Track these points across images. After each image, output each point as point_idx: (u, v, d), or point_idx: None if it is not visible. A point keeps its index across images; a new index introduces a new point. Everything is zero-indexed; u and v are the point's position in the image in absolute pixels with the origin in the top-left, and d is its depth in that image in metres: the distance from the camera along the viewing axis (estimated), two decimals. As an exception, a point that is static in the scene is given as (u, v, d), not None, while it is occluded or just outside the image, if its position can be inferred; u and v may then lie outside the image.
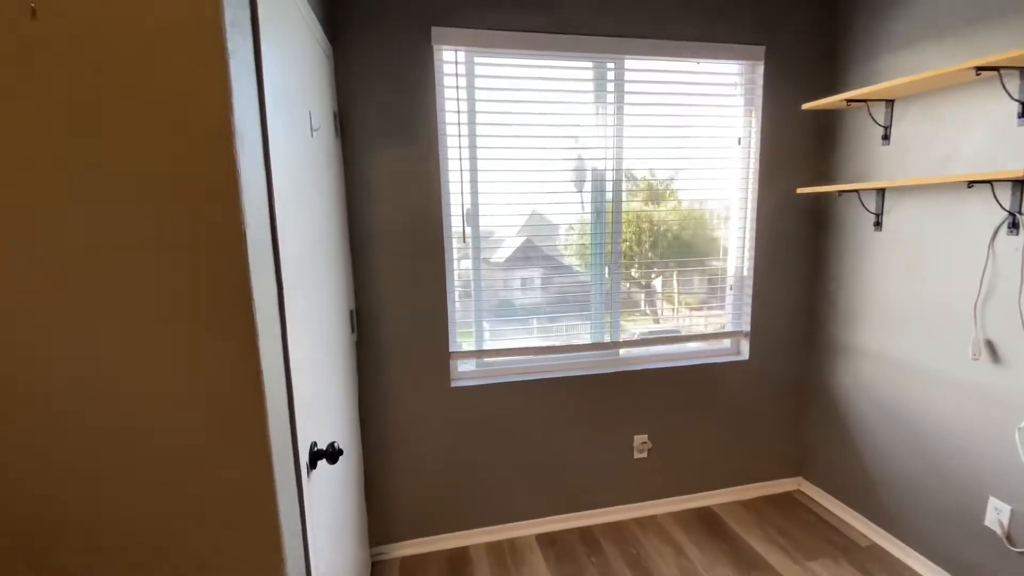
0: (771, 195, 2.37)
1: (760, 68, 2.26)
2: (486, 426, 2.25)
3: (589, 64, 2.18)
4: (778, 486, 2.64)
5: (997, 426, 1.74)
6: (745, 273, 2.46)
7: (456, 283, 2.23)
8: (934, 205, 1.91)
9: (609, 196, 2.29)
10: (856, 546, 2.21)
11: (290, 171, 1.19)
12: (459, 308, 2.26)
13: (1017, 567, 1.70)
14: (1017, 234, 1.65)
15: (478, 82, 2.09)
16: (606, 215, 2.31)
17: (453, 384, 2.22)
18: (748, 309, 2.46)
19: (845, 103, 2.05)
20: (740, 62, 2.25)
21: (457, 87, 2.03)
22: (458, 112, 2.04)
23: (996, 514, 1.75)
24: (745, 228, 2.43)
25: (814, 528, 2.34)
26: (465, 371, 2.30)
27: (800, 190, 2.26)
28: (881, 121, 2.07)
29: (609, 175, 2.27)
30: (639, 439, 2.42)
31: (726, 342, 2.55)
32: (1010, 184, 1.64)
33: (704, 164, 2.35)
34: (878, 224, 2.14)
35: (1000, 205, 1.68)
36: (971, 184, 1.75)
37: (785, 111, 2.31)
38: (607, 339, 2.39)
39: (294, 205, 1.22)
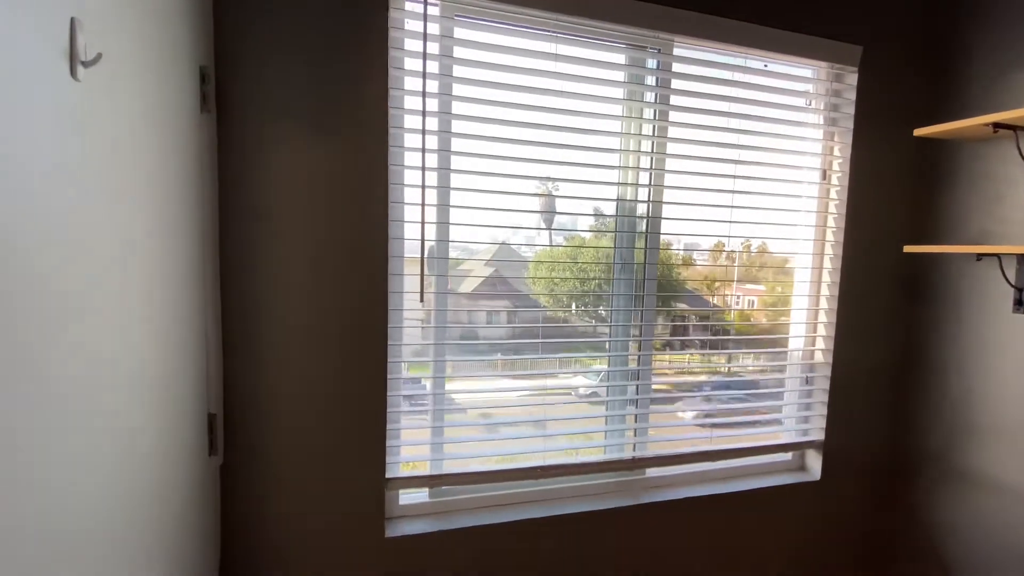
0: (862, 252, 1.70)
1: (852, 77, 1.62)
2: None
3: (622, 57, 1.49)
4: (851, 660, 1.87)
5: None
6: (819, 358, 1.76)
7: (404, 370, 1.40)
8: None
9: (640, 243, 1.55)
10: None
11: None
12: (405, 406, 1.41)
13: None
14: None
15: (458, 53, 1.34)
16: (634, 267, 1.56)
17: (390, 533, 1.34)
18: (824, 410, 1.74)
19: (991, 128, 1.42)
20: (828, 65, 1.61)
21: (424, 57, 1.26)
22: (424, 96, 1.27)
23: None
24: (819, 295, 1.74)
25: None
26: (410, 507, 1.44)
27: (908, 248, 1.60)
28: (1030, 158, 1.46)
29: (641, 209, 1.54)
30: (671, 606, 1.60)
31: (788, 455, 1.81)
32: None
33: (773, 206, 1.67)
34: (1020, 303, 1.49)
35: None
36: None
37: (885, 138, 1.67)
38: (629, 455, 1.59)
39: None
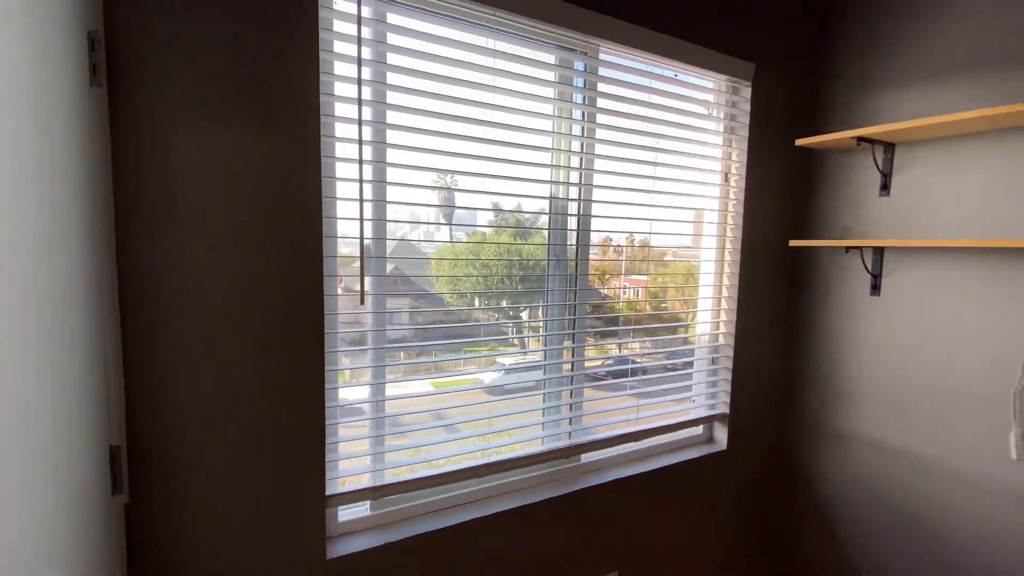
0: (756, 246, 1.93)
1: (747, 90, 1.83)
2: (389, 617, 1.32)
3: (552, 57, 1.51)
4: (751, 603, 2.14)
5: (1063, 548, 1.40)
6: (722, 340, 1.96)
7: (340, 383, 1.30)
8: (946, 269, 1.61)
9: (573, 238, 1.61)
10: None
11: None
12: (342, 416, 1.32)
13: None
14: (1084, 312, 1.36)
15: (392, 42, 1.26)
16: (568, 263, 1.61)
17: (332, 554, 1.25)
18: (728, 386, 1.95)
19: (854, 141, 1.69)
20: (727, 78, 1.79)
21: (360, 43, 1.17)
22: (359, 83, 1.18)
23: (1066, 660, 1.40)
24: (722, 285, 1.94)
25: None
26: (351, 523, 1.35)
27: (794, 242, 1.84)
28: (880, 167, 1.76)
29: (573, 207, 1.59)
30: (608, 583, 1.70)
31: (699, 429, 2.00)
32: (1074, 251, 1.36)
33: (685, 204, 1.83)
34: (876, 288, 1.80)
35: (1061, 275, 1.39)
36: (1010, 250, 1.45)
37: (773, 146, 1.91)
38: (565, 443, 1.65)
39: None
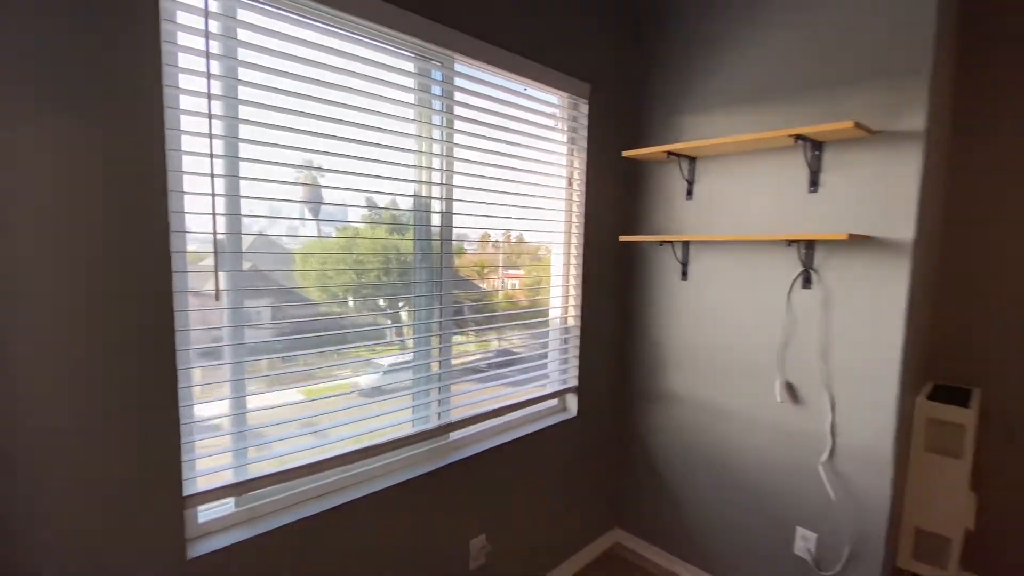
0: (595, 241, 2.25)
1: (585, 107, 2.12)
2: (258, 607, 1.34)
3: (411, 66, 1.62)
4: (603, 543, 2.49)
5: (801, 462, 1.91)
6: (571, 322, 2.26)
7: (196, 376, 1.28)
8: (735, 258, 2.06)
9: (436, 232, 1.74)
10: (683, 596, 2.18)
11: None
12: (199, 415, 1.30)
13: (828, 591, 1.87)
14: (810, 288, 1.86)
15: (244, 38, 1.27)
16: (434, 257, 1.74)
17: (192, 554, 1.24)
18: (577, 361, 2.26)
19: (665, 155, 2.07)
20: (568, 95, 2.06)
21: (207, 36, 1.16)
22: (208, 77, 1.17)
23: (804, 543, 1.91)
24: (569, 275, 2.23)
25: (646, 588, 2.24)
26: (214, 522, 1.33)
27: (623, 237, 2.19)
28: (686, 176, 2.18)
29: (437, 205, 1.72)
30: (476, 543, 1.88)
31: (555, 400, 2.28)
32: (804, 244, 1.85)
33: (537, 205, 2.06)
34: (685, 274, 2.22)
35: (798, 261, 1.88)
36: (780, 243, 1.92)
37: (607, 155, 2.23)
38: (435, 424, 1.79)
39: None
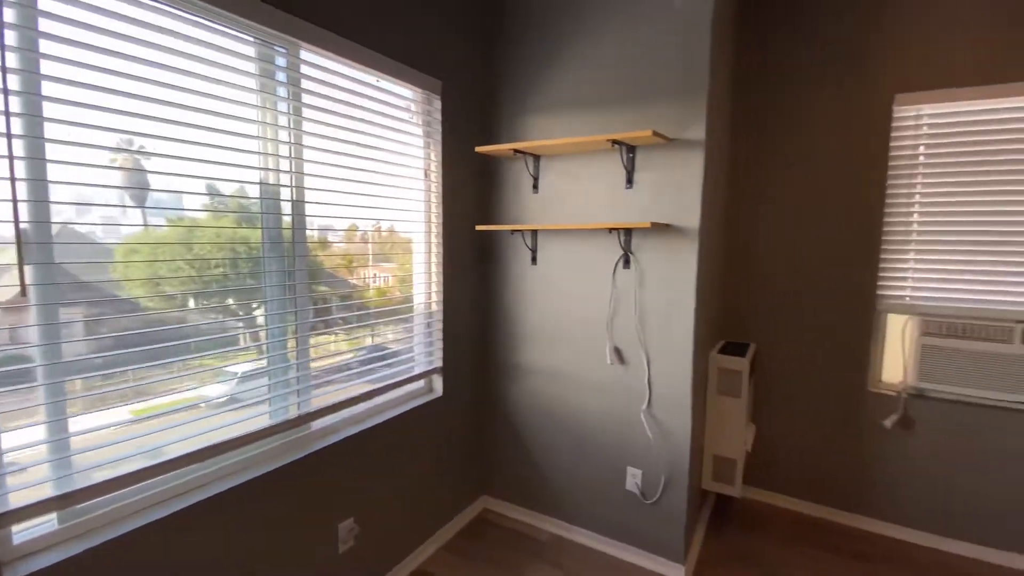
0: (454, 230, 2.41)
1: (438, 102, 2.25)
2: (99, 619, 1.26)
3: (252, 51, 1.59)
4: (472, 511, 2.70)
5: (629, 412, 2.30)
6: (434, 308, 2.40)
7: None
8: (574, 245, 2.37)
9: (288, 222, 1.74)
10: (539, 543, 2.48)
11: None
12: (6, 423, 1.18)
13: (652, 513, 2.29)
14: (629, 268, 2.23)
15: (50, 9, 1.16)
16: (286, 248, 1.74)
17: None
18: (440, 345, 2.40)
19: (513, 152, 2.29)
20: (421, 90, 2.17)
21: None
22: (3, 48, 1.06)
23: (633, 479, 2.31)
24: (431, 263, 2.36)
25: (509, 542, 2.49)
26: (34, 542, 1.22)
27: (479, 227, 2.38)
28: (532, 172, 2.43)
29: (286, 193, 1.72)
30: (345, 527, 1.94)
31: (421, 382, 2.40)
32: (623, 231, 2.21)
33: (395, 195, 2.14)
34: (535, 260, 2.49)
35: (619, 246, 2.24)
36: (606, 230, 2.26)
37: (462, 149, 2.39)
38: (294, 415, 1.80)
39: None
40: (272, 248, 1.71)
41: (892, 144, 2.44)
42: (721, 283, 2.80)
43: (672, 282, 2.13)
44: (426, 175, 2.28)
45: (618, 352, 2.30)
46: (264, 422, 1.71)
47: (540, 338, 2.51)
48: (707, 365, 2.44)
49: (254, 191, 1.65)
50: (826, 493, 2.72)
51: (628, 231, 2.21)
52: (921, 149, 2.40)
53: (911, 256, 2.45)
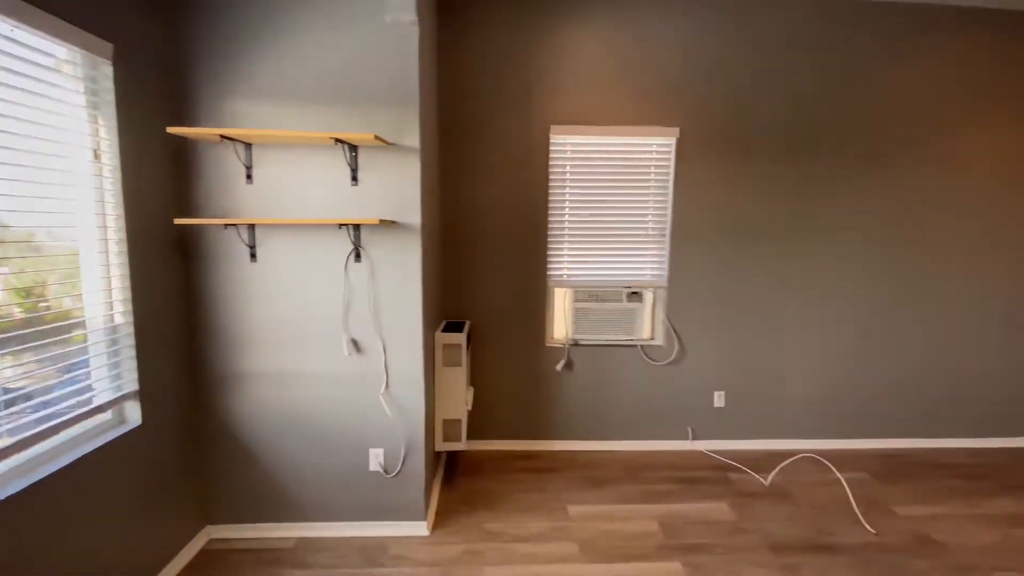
0: (145, 225, 2.00)
1: (108, 69, 1.81)
2: None
3: None
4: (194, 547, 2.35)
5: (368, 397, 2.42)
6: (119, 320, 1.95)
7: None
8: (300, 240, 2.32)
9: None
10: (284, 551, 2.39)
11: None
12: None
13: (395, 485, 2.49)
14: (360, 262, 2.33)
15: None
16: None
17: None
18: (133, 364, 1.98)
19: (219, 137, 2.05)
20: (81, 51, 1.71)
21: None
22: None
23: (376, 459, 2.47)
24: (110, 266, 1.91)
25: (247, 563, 2.30)
26: None
27: (178, 221, 2.05)
28: (243, 160, 2.23)
29: None
30: (5, 621, 1.45)
31: (107, 414, 1.94)
32: (352, 227, 2.29)
33: (37, 179, 1.64)
34: (254, 256, 2.31)
35: (349, 241, 2.31)
36: (336, 226, 2.28)
37: (152, 131, 1.99)
38: None
39: None
40: None
41: (551, 161, 3.26)
42: (441, 271, 3.20)
43: (401, 273, 2.35)
44: (95, 156, 1.82)
45: (355, 343, 2.39)
46: None
47: (266, 341, 2.36)
48: (434, 343, 2.78)
49: None
50: (523, 429, 3.49)
51: (357, 227, 2.30)
52: (567, 167, 3.29)
53: (565, 244, 3.36)
